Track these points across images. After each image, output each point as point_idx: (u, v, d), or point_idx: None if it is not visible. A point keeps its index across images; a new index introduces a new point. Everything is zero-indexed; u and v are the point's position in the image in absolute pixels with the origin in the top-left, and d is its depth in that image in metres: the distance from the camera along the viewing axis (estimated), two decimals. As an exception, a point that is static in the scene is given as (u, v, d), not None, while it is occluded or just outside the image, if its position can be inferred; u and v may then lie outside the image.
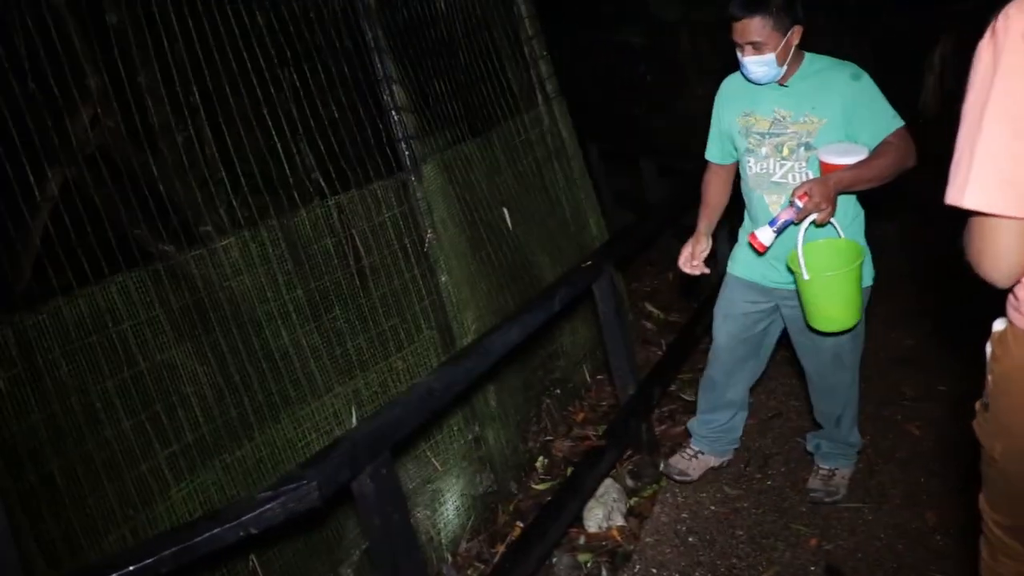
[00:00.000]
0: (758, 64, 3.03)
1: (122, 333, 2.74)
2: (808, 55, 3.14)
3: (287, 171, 3.31)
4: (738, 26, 2.98)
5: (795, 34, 2.99)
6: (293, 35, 3.42)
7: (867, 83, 3.04)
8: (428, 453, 3.67)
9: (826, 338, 3.31)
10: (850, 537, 3.41)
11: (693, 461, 3.90)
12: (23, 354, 2.46)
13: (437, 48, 4.29)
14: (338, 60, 3.56)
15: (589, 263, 3.87)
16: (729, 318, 3.61)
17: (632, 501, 3.91)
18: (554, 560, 3.55)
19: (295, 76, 3.38)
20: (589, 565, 3.55)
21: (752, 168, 3.28)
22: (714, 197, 3.58)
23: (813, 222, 2.95)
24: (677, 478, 3.87)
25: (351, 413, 3.40)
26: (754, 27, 2.95)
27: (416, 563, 2.67)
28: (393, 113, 3.68)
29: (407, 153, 3.73)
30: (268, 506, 2.29)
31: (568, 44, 9.15)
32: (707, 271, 3.54)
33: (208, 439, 2.94)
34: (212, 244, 3.05)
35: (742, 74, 3.18)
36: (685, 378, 4.91)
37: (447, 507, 3.76)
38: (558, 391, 4.69)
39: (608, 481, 3.94)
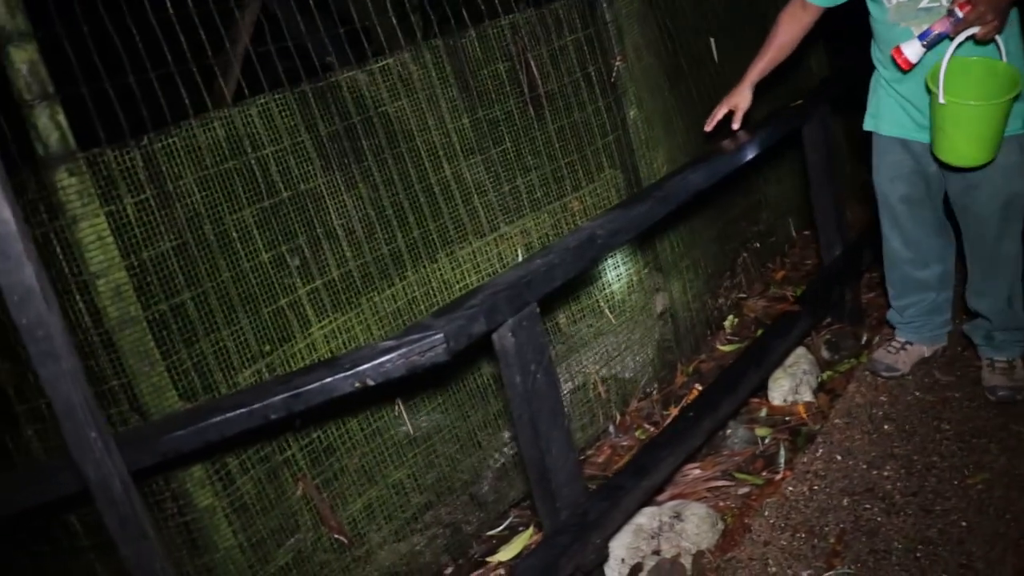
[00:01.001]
0: None
1: (263, 159, 2.56)
2: None
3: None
4: None
5: None
6: None
7: None
8: (601, 303, 3.38)
9: (994, 198, 2.83)
10: (1086, 446, 2.86)
11: (901, 354, 3.36)
12: (152, 179, 2.33)
13: None
14: None
15: (799, 102, 3.35)
16: (898, 180, 3.07)
17: (825, 375, 3.49)
18: (728, 432, 3.25)
19: None
20: (767, 441, 3.21)
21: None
22: (776, 42, 3.08)
23: (972, 38, 2.48)
24: (885, 374, 3.34)
25: (517, 255, 3.15)
26: None
27: (561, 428, 2.43)
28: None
29: (595, -31, 3.28)
30: (388, 356, 2.08)
31: None
32: (735, 127, 3.09)
33: (355, 275, 2.77)
34: (367, 65, 2.78)
35: None
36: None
37: (620, 362, 3.48)
38: (757, 245, 4.25)
39: (801, 350, 3.55)
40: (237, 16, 3.99)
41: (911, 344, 3.38)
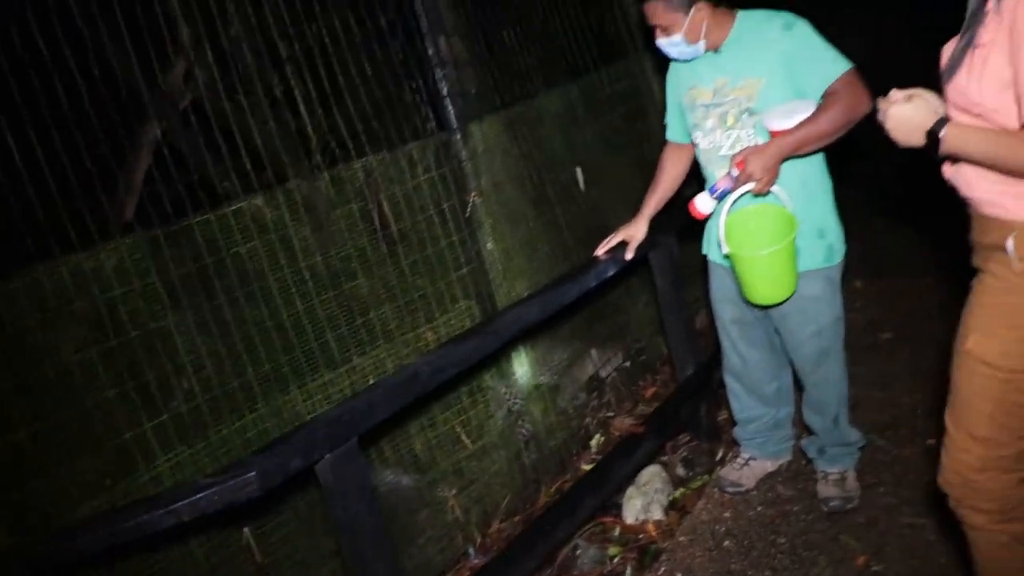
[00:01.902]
0: (669, 46, 2.94)
1: (111, 300, 2.71)
2: (741, 14, 2.94)
3: (309, 132, 3.18)
4: (644, 9, 2.90)
5: (700, 11, 2.85)
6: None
7: (802, 30, 2.85)
8: (458, 428, 3.52)
9: (804, 327, 3.09)
10: (905, 560, 3.01)
11: (745, 470, 3.53)
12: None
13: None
14: (374, 10, 3.38)
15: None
16: (726, 302, 3.31)
17: (678, 492, 3.64)
18: (578, 552, 3.36)
19: (322, 28, 3.23)
20: (616, 560, 3.34)
21: (701, 143, 3.08)
22: (667, 178, 3.33)
23: (750, 192, 2.80)
24: (730, 491, 3.50)
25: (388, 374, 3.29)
26: (653, 10, 2.86)
27: (386, 560, 2.54)
28: (437, 69, 3.47)
29: (452, 111, 3.53)
30: (204, 494, 2.20)
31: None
32: (628, 257, 3.31)
33: (204, 408, 2.90)
34: (219, 209, 2.97)
35: None
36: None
37: (480, 485, 3.61)
38: (627, 364, 4.43)
39: (655, 468, 3.70)
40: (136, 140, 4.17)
41: (755, 460, 3.55)
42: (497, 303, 3.65)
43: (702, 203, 2.94)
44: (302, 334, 3.15)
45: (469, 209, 3.56)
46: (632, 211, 3.37)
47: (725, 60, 2.93)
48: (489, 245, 3.63)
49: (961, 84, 1.87)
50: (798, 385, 3.41)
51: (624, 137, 4.53)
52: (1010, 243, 1.89)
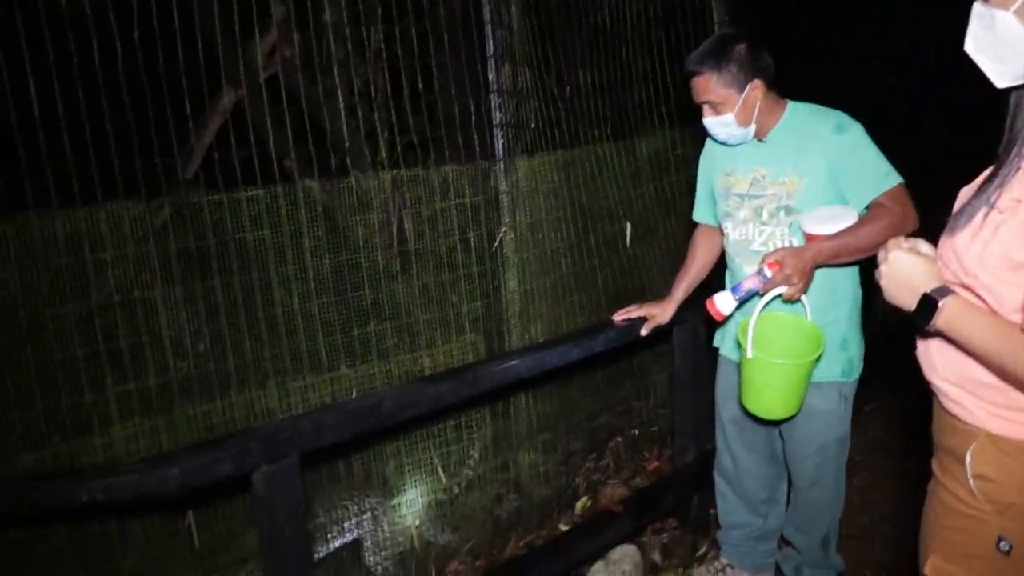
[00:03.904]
0: (718, 125, 2.74)
1: (100, 261, 2.71)
2: (792, 105, 2.75)
3: (344, 133, 3.14)
4: (692, 84, 2.73)
5: (755, 90, 2.66)
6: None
7: (855, 135, 2.63)
8: (435, 460, 3.43)
9: (810, 441, 2.90)
10: None
11: None
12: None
13: (594, 35, 3.94)
14: (444, 26, 3.33)
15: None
16: (730, 400, 3.11)
17: (645, 579, 3.47)
18: (525, 616, 3.23)
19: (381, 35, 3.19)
20: (560, 634, 3.19)
21: (731, 234, 2.90)
22: (697, 261, 3.14)
23: (780, 296, 2.60)
24: None
25: (352, 396, 3.23)
26: (705, 84, 2.68)
27: (301, 578, 2.47)
28: (494, 95, 3.39)
29: (500, 141, 3.43)
30: (122, 479, 2.18)
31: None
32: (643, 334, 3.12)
33: (174, 386, 2.88)
34: (234, 191, 2.94)
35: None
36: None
37: (447, 521, 3.51)
38: (635, 432, 4.27)
39: (631, 548, 3.52)
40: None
41: (732, 568, 3.34)
42: (508, 343, 3.54)
43: (723, 303, 2.71)
44: (293, 332, 3.11)
45: (497, 243, 3.46)
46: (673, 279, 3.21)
47: (768, 152, 2.76)
48: (511, 284, 3.53)
49: (960, 245, 1.63)
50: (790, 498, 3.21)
51: (681, 202, 4.36)
52: (968, 456, 1.65)
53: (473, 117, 3.41)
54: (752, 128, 2.73)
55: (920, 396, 1.88)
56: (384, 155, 3.57)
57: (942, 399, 1.74)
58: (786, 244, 2.74)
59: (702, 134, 2.90)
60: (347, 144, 3.43)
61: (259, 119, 3.55)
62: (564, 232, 3.82)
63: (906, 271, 1.66)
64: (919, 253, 1.67)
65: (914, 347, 1.81)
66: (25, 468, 2.61)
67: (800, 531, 3.12)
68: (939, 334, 1.65)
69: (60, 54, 2.54)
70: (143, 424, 2.83)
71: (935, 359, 1.71)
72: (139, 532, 2.86)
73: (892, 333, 3.17)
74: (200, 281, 2.91)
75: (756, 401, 2.69)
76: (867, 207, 2.62)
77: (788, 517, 3.18)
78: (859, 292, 2.86)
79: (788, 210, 2.72)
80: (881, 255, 1.73)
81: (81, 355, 2.69)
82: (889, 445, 4.44)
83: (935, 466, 1.81)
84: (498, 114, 3.42)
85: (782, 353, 2.63)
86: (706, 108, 2.73)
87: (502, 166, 3.45)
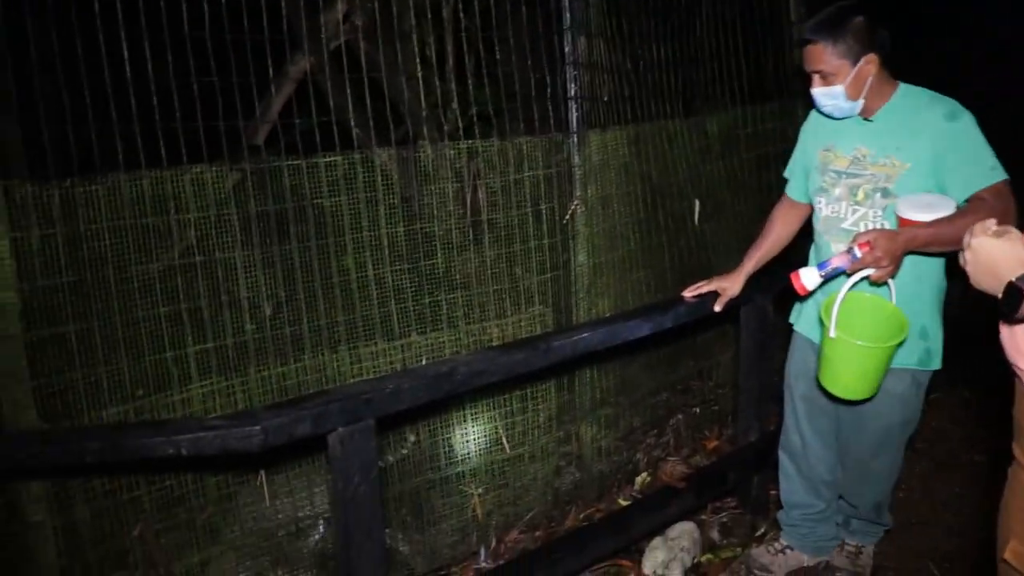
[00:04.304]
0: (826, 96, 2.69)
1: (184, 222, 2.77)
2: (903, 87, 2.69)
3: (419, 103, 3.16)
4: (805, 52, 2.68)
5: (869, 64, 2.60)
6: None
7: (964, 125, 2.56)
8: (500, 430, 3.46)
9: (875, 420, 2.89)
10: None
11: (779, 557, 3.32)
12: (65, 217, 2.55)
13: (668, 9, 3.90)
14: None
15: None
16: (802, 377, 3.11)
17: (704, 557, 3.47)
18: (584, 588, 3.26)
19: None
20: (618, 607, 3.23)
21: (823, 210, 2.87)
22: (772, 235, 3.13)
23: (867, 278, 2.56)
24: (757, 572, 3.31)
25: (421, 363, 3.26)
26: (819, 54, 2.62)
27: (375, 542, 2.52)
28: (569, 68, 3.38)
29: (574, 114, 3.43)
30: (205, 434, 2.23)
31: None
32: (717, 309, 3.12)
33: (250, 346, 2.93)
34: (313, 157, 2.98)
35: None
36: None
37: (509, 491, 3.54)
38: (696, 410, 4.26)
39: (690, 525, 3.53)
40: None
41: (791, 549, 3.34)
42: (575, 317, 3.55)
43: (808, 278, 2.70)
44: (366, 298, 3.15)
45: (568, 216, 3.47)
46: (741, 258, 3.20)
47: (873, 131, 2.71)
48: (581, 257, 3.53)
49: None
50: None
51: (754, 180, 4.34)
52: None
53: (548, 89, 3.40)
54: (860, 103, 2.68)
55: (988, 389, 1.84)
56: (459, 125, 3.59)
57: None
58: (877, 226, 2.70)
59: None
60: (424, 114, 3.46)
61: (334, 87, 3.59)
62: (633, 207, 3.81)
63: (991, 257, 1.61)
64: (1006, 238, 1.62)
65: (996, 331, 1.78)
66: (110, 421, 2.68)
67: (854, 494, 3.16)
68: None
69: (151, 22, 2.59)
70: (220, 383, 2.90)
71: (1020, 340, 1.67)
72: (214, 488, 2.93)
73: (960, 324, 3.13)
74: (279, 245, 2.95)
75: (834, 380, 2.68)
76: (967, 200, 2.56)
77: (842, 479, 3.18)
78: (944, 283, 2.82)
79: (885, 193, 2.68)
80: (966, 239, 1.67)
81: (164, 313, 2.76)
82: (953, 434, 4.38)
83: (1017, 450, 1.78)
84: (573, 86, 3.41)
85: (864, 335, 2.60)
86: (816, 78, 2.68)
87: (576, 139, 3.45)
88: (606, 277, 3.66)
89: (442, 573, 3.37)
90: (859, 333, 2.61)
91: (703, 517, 3.69)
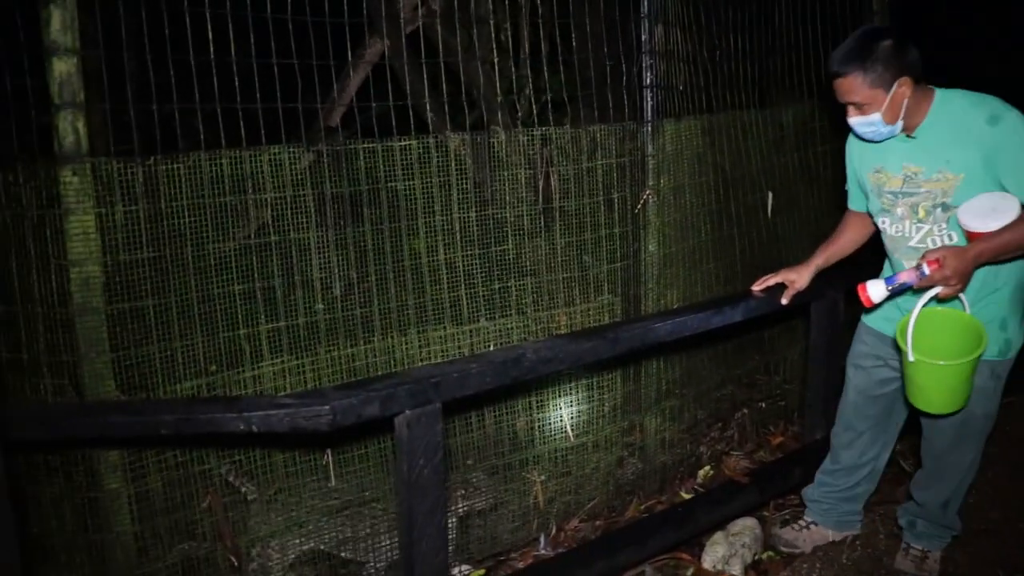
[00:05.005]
0: (863, 125, 2.66)
1: (260, 202, 2.81)
2: (940, 94, 2.61)
3: (493, 89, 3.16)
4: (836, 84, 2.61)
5: (903, 87, 2.55)
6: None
7: (1009, 125, 2.50)
8: (565, 418, 3.46)
9: (954, 415, 2.78)
10: None
11: (804, 532, 3.37)
12: (148, 194, 2.60)
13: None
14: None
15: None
16: (859, 370, 3.12)
17: (765, 554, 3.43)
18: (643, 577, 3.25)
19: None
20: (677, 601, 3.21)
21: (887, 230, 2.83)
22: (843, 237, 3.12)
23: (936, 296, 2.55)
24: (784, 549, 3.36)
25: (489, 349, 3.28)
26: (850, 86, 2.57)
27: (437, 526, 2.55)
28: (646, 56, 3.35)
29: (649, 102, 3.40)
30: (276, 412, 2.28)
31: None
32: (784, 302, 3.10)
33: (321, 326, 2.97)
34: (389, 141, 3.00)
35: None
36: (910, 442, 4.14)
37: (571, 480, 3.54)
38: (762, 404, 4.21)
39: (751, 521, 3.50)
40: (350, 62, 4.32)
41: (816, 525, 3.38)
42: (644, 307, 3.53)
43: (875, 291, 2.69)
44: (437, 282, 3.16)
45: (640, 205, 3.44)
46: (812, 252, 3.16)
47: (919, 147, 2.67)
48: (651, 247, 3.50)
49: None
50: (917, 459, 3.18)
51: (829, 173, 4.25)
52: None
53: (624, 77, 3.38)
54: (899, 125, 2.63)
55: None
56: (533, 112, 3.58)
57: None
58: (944, 241, 2.69)
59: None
60: (499, 99, 3.46)
61: (409, 71, 3.61)
62: (705, 198, 3.77)
63: None
64: None
65: None
66: (184, 395, 2.75)
67: (925, 488, 3.11)
68: None
69: (236, 2, 2.64)
70: (290, 361, 2.94)
71: None
72: (281, 465, 2.98)
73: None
74: (352, 227, 2.98)
75: (927, 402, 2.67)
76: None
77: (917, 475, 3.16)
78: (1023, 274, 2.75)
79: (945, 207, 2.64)
80: None
81: (238, 291, 2.81)
82: (1028, 440, 4.27)
83: None
84: (648, 75, 3.38)
85: (944, 350, 2.57)
86: (851, 108, 2.64)
87: (649, 128, 3.42)
88: (676, 267, 3.63)
89: (501, 558, 3.39)
90: (939, 350, 2.57)
91: (765, 514, 3.65)
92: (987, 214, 2.48)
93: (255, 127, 2.74)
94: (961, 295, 2.56)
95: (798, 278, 3.08)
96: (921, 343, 2.55)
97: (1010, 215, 2.45)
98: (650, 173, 3.46)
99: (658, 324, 2.91)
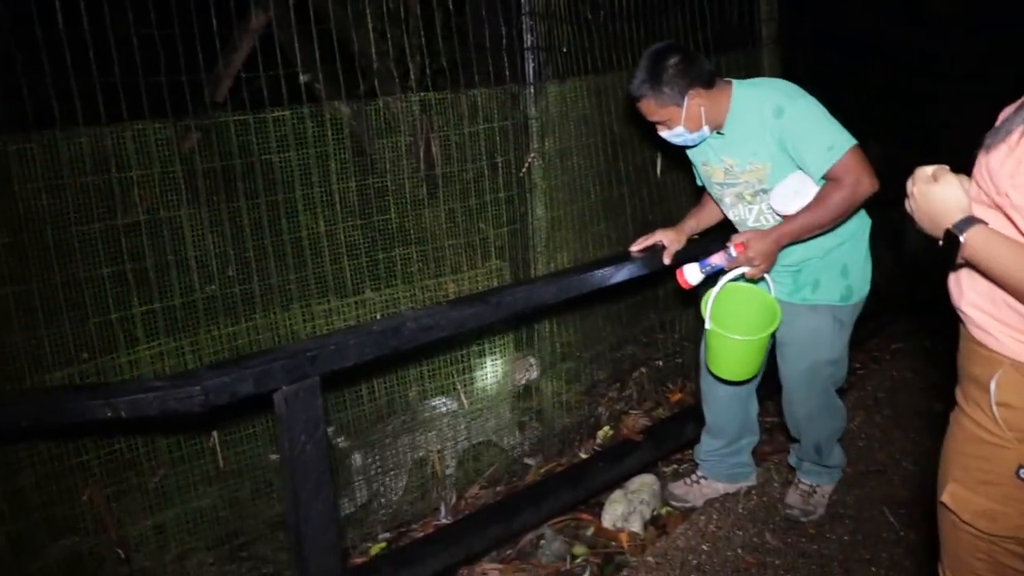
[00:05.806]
0: (673, 137, 2.86)
1: (126, 180, 2.70)
2: (736, 88, 2.80)
3: (373, 56, 3.08)
4: (637, 107, 2.82)
5: (695, 97, 2.72)
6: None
7: (793, 114, 2.67)
8: (459, 386, 3.44)
9: (800, 359, 3.06)
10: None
11: (694, 487, 3.48)
12: (-1, 176, 2.49)
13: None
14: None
15: (696, 237, 3.38)
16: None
17: (663, 509, 3.48)
18: (543, 541, 3.26)
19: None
20: (578, 561, 3.21)
21: (728, 213, 3.07)
22: (709, 206, 3.23)
23: (743, 275, 2.81)
24: (676, 504, 3.46)
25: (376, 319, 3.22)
26: (647, 108, 2.78)
27: (324, 502, 2.49)
28: (525, 18, 3.31)
29: (531, 65, 3.36)
30: (143, 396, 2.19)
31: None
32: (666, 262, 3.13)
33: (199, 306, 2.88)
34: (261, 112, 2.91)
35: None
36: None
37: (468, 447, 3.53)
38: (660, 363, 4.25)
39: (650, 477, 3.55)
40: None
41: (706, 479, 3.49)
42: (534, 271, 3.51)
43: (691, 274, 2.92)
44: (318, 255, 3.10)
45: (525, 169, 3.41)
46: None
47: (728, 143, 2.84)
48: (539, 210, 3.48)
49: (994, 164, 1.53)
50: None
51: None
52: (992, 384, 1.61)
53: (504, 40, 3.33)
54: (705, 128, 2.79)
55: (947, 336, 1.84)
56: (414, 79, 3.51)
57: (969, 326, 1.70)
58: (775, 220, 2.86)
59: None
60: (376, 67, 3.38)
61: (288, 42, 3.51)
62: (594, 159, 3.76)
63: (930, 204, 1.61)
64: (943, 183, 1.59)
65: (946, 278, 1.77)
66: (54, 385, 2.64)
67: (796, 434, 3.32)
68: (968, 264, 1.61)
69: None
70: (168, 344, 2.85)
71: (963, 285, 1.67)
72: (165, 451, 2.89)
73: (923, 271, 3.14)
74: (227, 203, 2.89)
75: (716, 366, 2.93)
76: (823, 178, 2.70)
77: (787, 420, 3.31)
78: (866, 221, 2.97)
79: (765, 192, 2.83)
80: (908, 186, 1.66)
81: (107, 274, 2.70)
82: (914, 384, 4.41)
83: (958, 394, 1.78)
84: (529, 37, 3.34)
85: (740, 324, 2.84)
86: (658, 126, 2.83)
87: (532, 90, 3.39)
88: (565, 230, 3.62)
89: (403, 530, 3.36)
90: (736, 322, 2.85)
91: (665, 470, 3.70)
92: (790, 197, 2.72)
93: (134, 102, 2.63)
94: (767, 275, 2.81)
95: (674, 238, 3.13)
96: (724, 315, 2.83)
97: (808, 197, 2.68)
98: (534, 136, 3.43)
99: (540, 287, 2.89)
